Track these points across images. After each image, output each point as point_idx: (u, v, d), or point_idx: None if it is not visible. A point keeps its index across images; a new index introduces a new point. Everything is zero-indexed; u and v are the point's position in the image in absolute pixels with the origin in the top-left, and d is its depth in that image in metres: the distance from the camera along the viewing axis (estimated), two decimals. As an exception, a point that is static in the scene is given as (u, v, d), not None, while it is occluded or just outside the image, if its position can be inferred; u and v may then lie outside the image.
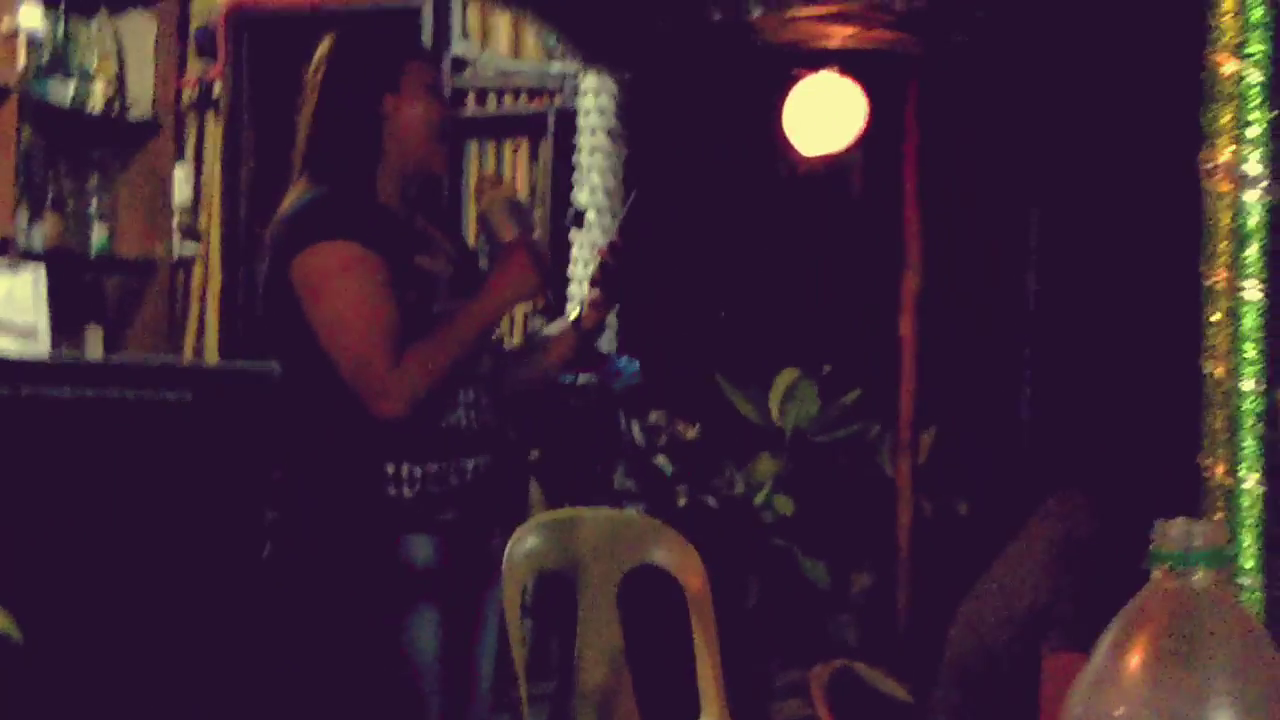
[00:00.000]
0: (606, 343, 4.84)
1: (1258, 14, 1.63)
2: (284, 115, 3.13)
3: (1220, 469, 1.65)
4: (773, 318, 5.46)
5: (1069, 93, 5.02)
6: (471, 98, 5.60)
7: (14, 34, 5.10)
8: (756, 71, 5.06)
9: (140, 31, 5.82)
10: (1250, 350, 1.64)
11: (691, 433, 4.90)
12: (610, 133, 5.04)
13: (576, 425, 4.69)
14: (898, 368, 5.04)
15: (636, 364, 4.76)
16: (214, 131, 5.91)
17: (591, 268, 3.22)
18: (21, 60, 5.19)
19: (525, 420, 4.31)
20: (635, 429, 4.79)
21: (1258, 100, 1.64)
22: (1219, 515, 1.64)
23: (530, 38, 5.50)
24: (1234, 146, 1.64)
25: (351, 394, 2.80)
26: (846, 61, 4.90)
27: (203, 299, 5.92)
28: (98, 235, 5.67)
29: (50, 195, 5.45)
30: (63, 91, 5.49)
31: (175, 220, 5.86)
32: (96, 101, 5.64)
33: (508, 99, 5.59)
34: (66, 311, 5.26)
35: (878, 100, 4.92)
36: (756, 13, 4.57)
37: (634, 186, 3.74)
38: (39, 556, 3.81)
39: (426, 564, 2.88)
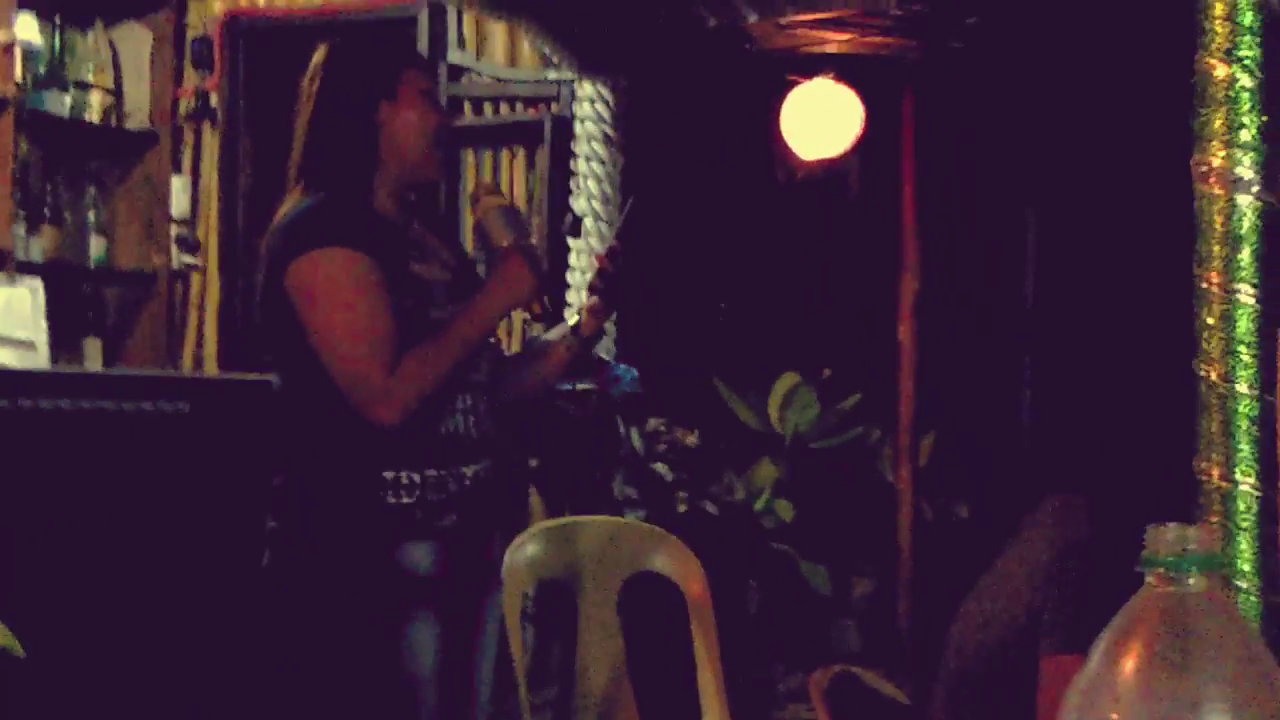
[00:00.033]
0: (605, 349, 4.84)
1: (1249, 18, 1.63)
2: (281, 125, 3.13)
3: (1216, 472, 1.65)
4: (771, 323, 5.46)
5: (1064, 97, 5.03)
6: (468, 107, 5.59)
7: (10, 46, 5.09)
8: (752, 78, 5.06)
9: (136, 42, 5.81)
10: (1245, 354, 1.65)
11: (691, 439, 4.89)
12: (607, 140, 5.03)
13: (575, 432, 4.68)
14: (897, 372, 5.05)
15: (635, 371, 4.76)
16: (211, 142, 5.90)
17: (589, 275, 3.22)
18: (18, 72, 5.18)
19: (524, 428, 4.31)
20: (634, 436, 4.79)
21: (1249, 105, 1.64)
22: (1215, 519, 1.64)
23: (526, 46, 5.49)
24: (1226, 151, 1.64)
25: (349, 401, 2.80)
26: (842, 67, 4.91)
27: (201, 310, 5.91)
28: (96, 247, 5.66)
29: (48, 207, 5.45)
30: (60, 103, 5.48)
31: (173, 231, 5.85)
32: (93, 113, 5.63)
33: (504, 107, 5.58)
34: (65, 323, 5.26)
35: (874, 105, 4.92)
36: (752, 19, 4.58)
37: (631, 194, 3.74)
38: (39, 568, 3.81)
39: (426, 571, 2.88)
